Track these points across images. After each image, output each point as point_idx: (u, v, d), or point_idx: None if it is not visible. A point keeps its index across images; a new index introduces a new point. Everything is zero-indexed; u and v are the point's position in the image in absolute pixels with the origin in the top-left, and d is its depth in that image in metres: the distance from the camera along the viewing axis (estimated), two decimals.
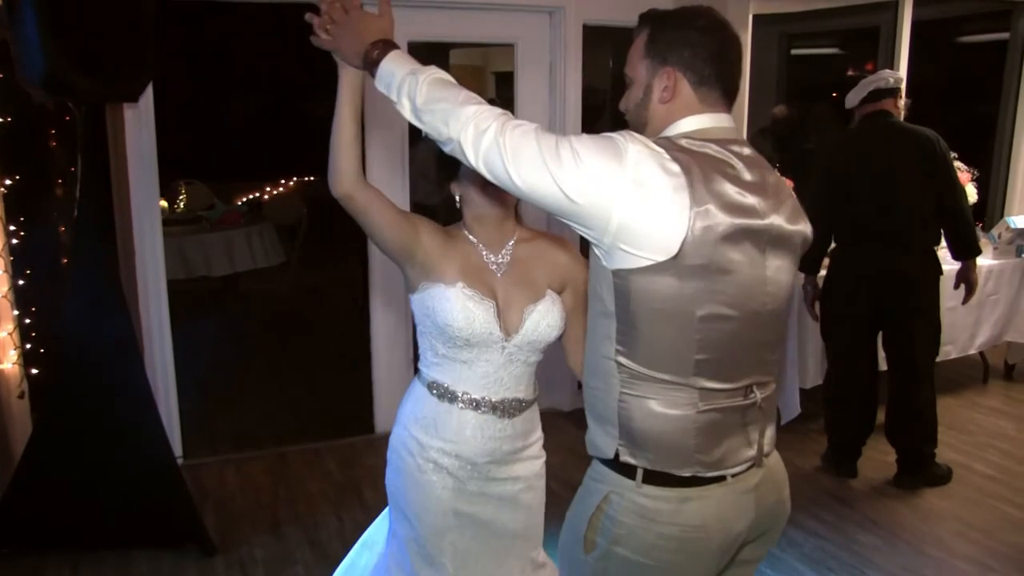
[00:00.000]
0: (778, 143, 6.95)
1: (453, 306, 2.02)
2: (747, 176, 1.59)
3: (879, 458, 4.32)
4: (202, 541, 3.50)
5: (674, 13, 1.67)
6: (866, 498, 4.03)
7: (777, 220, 1.62)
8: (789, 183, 2.14)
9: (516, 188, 1.52)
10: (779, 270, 1.65)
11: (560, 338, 2.17)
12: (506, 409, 2.12)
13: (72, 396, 3.35)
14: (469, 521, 2.16)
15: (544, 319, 2.10)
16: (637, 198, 1.47)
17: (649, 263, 1.50)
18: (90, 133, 3.31)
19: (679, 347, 1.56)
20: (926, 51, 5.93)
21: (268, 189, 9.20)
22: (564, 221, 1.55)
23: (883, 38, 5.72)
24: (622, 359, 1.60)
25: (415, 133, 4.71)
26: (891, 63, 5.62)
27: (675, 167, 1.49)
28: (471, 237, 2.13)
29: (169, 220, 6.94)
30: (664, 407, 1.59)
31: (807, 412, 4.55)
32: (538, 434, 2.26)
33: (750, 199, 1.57)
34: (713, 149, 1.58)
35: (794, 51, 9.33)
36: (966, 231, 4.02)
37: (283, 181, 9.43)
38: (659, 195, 1.48)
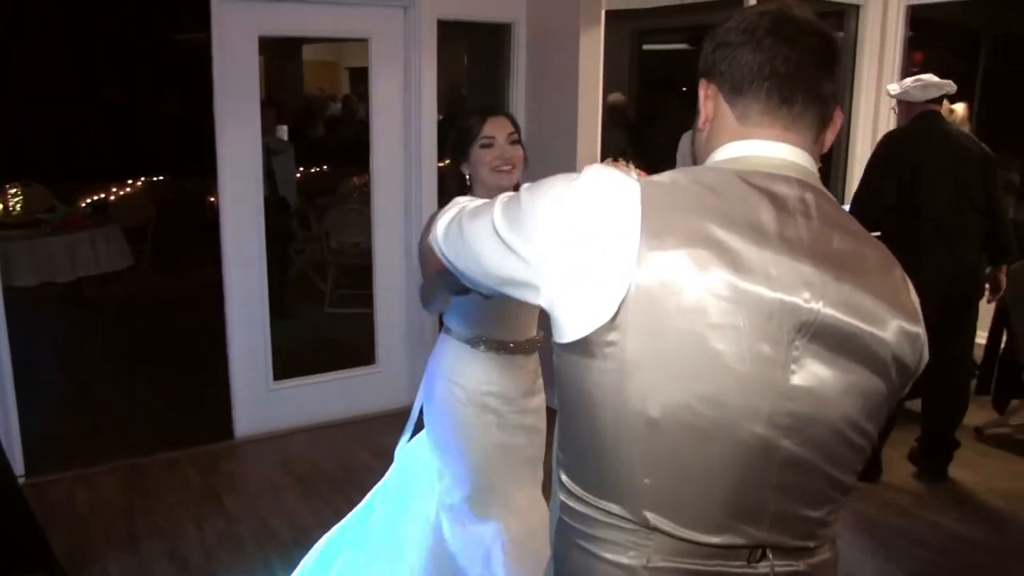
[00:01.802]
0: (634, 136, 7.14)
1: None
2: (771, 224, 1.09)
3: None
4: (49, 565, 3.29)
5: (740, 12, 1.22)
6: None
7: (821, 305, 1.07)
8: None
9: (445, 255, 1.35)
10: (821, 382, 1.09)
11: None
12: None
13: None
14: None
15: None
16: (575, 228, 1.09)
17: (581, 335, 1.09)
18: None
19: (624, 463, 1.11)
20: None
21: (114, 190, 8.80)
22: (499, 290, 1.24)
23: None
24: (563, 475, 1.21)
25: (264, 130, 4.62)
26: None
27: (633, 194, 1.09)
28: None
29: (5, 224, 6.59)
30: (606, 551, 1.15)
31: None
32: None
33: (762, 255, 1.07)
34: (712, 178, 1.14)
35: (645, 47, 9.64)
36: (1002, 236, 4.07)
37: (130, 181, 9.05)
38: (600, 225, 1.08)
